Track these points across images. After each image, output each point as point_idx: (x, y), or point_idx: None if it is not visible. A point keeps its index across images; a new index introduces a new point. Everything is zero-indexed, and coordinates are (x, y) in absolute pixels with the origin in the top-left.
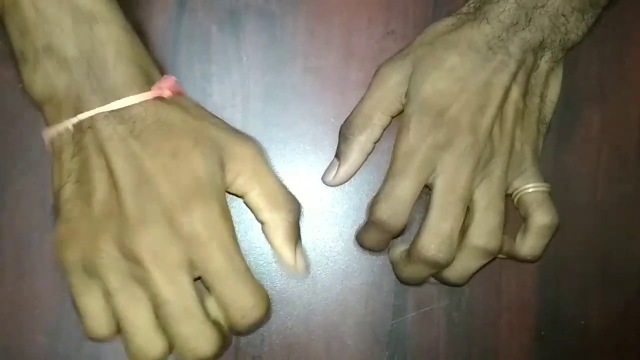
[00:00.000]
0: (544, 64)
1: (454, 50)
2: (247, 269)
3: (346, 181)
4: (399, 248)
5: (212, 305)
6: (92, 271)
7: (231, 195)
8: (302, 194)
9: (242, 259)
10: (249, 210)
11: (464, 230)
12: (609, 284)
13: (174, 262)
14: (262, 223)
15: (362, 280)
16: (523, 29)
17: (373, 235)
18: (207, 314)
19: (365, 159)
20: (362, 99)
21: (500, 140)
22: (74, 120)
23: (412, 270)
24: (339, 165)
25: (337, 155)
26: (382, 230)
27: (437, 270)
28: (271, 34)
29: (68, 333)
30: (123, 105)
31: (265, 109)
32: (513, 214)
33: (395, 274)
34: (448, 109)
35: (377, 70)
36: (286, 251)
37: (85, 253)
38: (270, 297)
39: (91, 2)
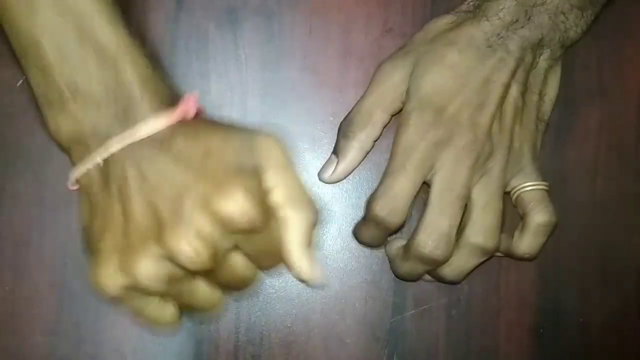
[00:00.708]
0: (542, 62)
1: (453, 48)
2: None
3: (343, 179)
4: (397, 244)
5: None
6: (139, 290)
7: None
8: None
9: (277, 232)
10: None
11: (461, 228)
12: (608, 282)
13: (225, 253)
14: (280, 220)
15: (361, 279)
16: (522, 26)
17: (370, 231)
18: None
19: (364, 157)
20: (363, 96)
21: (499, 138)
22: (104, 153)
23: (409, 267)
24: (338, 163)
25: (336, 152)
26: (379, 226)
27: (434, 267)
28: (269, 31)
29: (66, 333)
30: (150, 131)
31: (263, 107)
32: (511, 212)
33: (392, 270)
34: (448, 106)
35: (377, 68)
36: (303, 254)
37: (126, 277)
38: (269, 295)
39: (114, 38)
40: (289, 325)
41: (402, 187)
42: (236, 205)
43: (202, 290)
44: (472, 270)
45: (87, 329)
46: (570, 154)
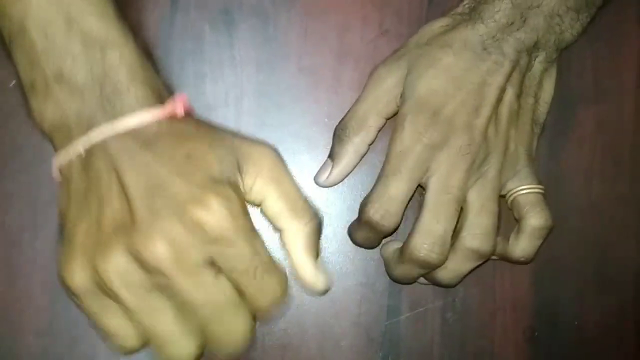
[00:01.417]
0: (538, 65)
1: (449, 50)
2: (271, 259)
3: (338, 182)
4: (392, 246)
5: None
6: (104, 289)
7: None
8: None
9: (265, 248)
10: None
11: (456, 232)
12: (604, 284)
13: (195, 264)
14: (280, 230)
15: (356, 281)
16: (518, 29)
17: (364, 234)
18: (238, 302)
19: (359, 161)
20: (357, 100)
21: (495, 141)
22: (86, 141)
23: (404, 270)
24: (333, 166)
25: (331, 156)
26: (373, 230)
27: (429, 271)
28: (265, 32)
29: (60, 333)
30: (136, 123)
31: (258, 108)
32: (506, 216)
33: (387, 272)
34: (443, 108)
35: (372, 72)
36: (307, 263)
37: (95, 272)
38: None
39: (103, 28)
40: (283, 328)
41: (397, 191)
42: (210, 214)
43: (169, 315)
44: (467, 274)
45: (81, 329)
46: (566, 157)
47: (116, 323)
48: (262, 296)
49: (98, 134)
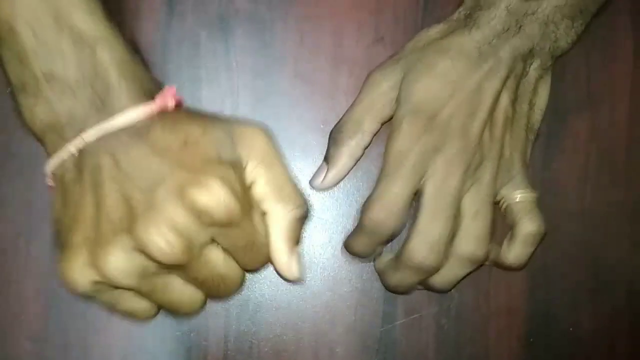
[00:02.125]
0: (533, 72)
1: (445, 55)
2: (265, 242)
3: (334, 186)
4: (386, 257)
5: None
6: (111, 284)
7: None
8: None
9: (264, 229)
10: None
11: (451, 237)
12: (598, 290)
13: (200, 246)
14: (264, 213)
15: (352, 287)
16: (513, 35)
17: (365, 240)
18: (235, 265)
19: (354, 165)
20: (353, 104)
21: (490, 146)
22: (79, 142)
23: (400, 277)
24: (328, 170)
25: (326, 160)
26: (375, 233)
27: (426, 276)
28: (261, 39)
29: (54, 339)
30: (128, 121)
31: (254, 114)
32: (499, 222)
33: (383, 283)
34: (439, 112)
35: (367, 76)
36: (282, 249)
37: (97, 271)
38: (259, 304)
39: (92, 26)
40: (278, 333)
41: (399, 190)
42: (212, 196)
43: (178, 287)
44: (461, 280)
45: (75, 335)
46: (560, 163)
47: (130, 305)
48: (254, 263)
49: (91, 133)
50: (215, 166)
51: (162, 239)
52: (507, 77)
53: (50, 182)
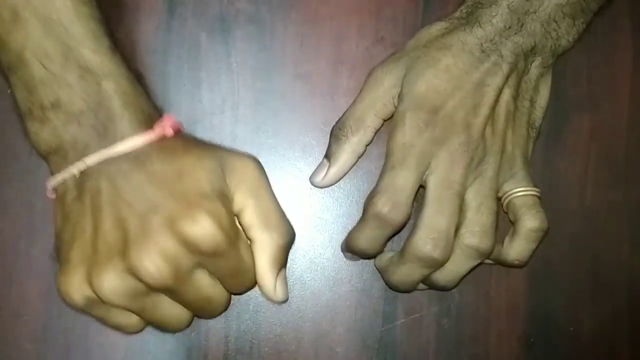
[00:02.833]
0: (534, 69)
1: (447, 52)
2: (252, 266)
3: (334, 183)
4: (386, 255)
5: None
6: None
7: None
8: (291, 200)
9: (249, 251)
10: None
11: (456, 230)
12: (599, 291)
13: (187, 272)
14: (250, 241)
15: (352, 287)
16: (515, 33)
17: (370, 233)
18: (221, 288)
19: (356, 162)
20: (355, 100)
21: (492, 141)
22: (81, 165)
23: (405, 272)
24: (329, 167)
25: (327, 156)
26: (382, 225)
27: (432, 269)
28: (261, 40)
29: (55, 340)
30: (128, 147)
31: (255, 116)
32: (501, 220)
33: (385, 280)
34: (443, 106)
35: (370, 73)
36: (268, 275)
37: (92, 289)
38: (259, 304)
39: (98, 59)
40: (279, 333)
41: (405, 181)
42: (200, 229)
43: (166, 306)
44: (464, 276)
45: (75, 337)
46: (560, 163)
47: (120, 320)
48: (240, 287)
49: (93, 158)
50: (206, 199)
51: (153, 265)
52: (509, 74)
53: (51, 194)
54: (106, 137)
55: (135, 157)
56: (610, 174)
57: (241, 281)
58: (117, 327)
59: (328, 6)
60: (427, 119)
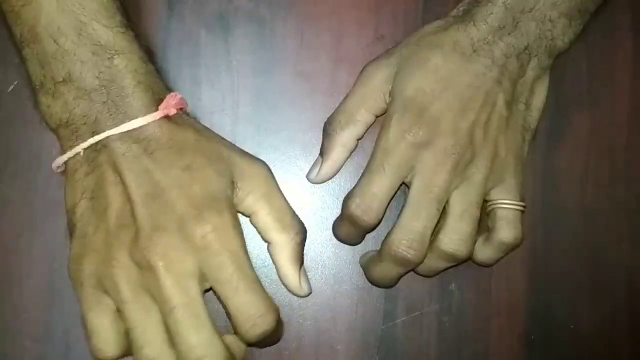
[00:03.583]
0: (530, 71)
1: (438, 51)
2: (257, 280)
3: (329, 178)
4: (369, 253)
5: (229, 339)
6: (105, 282)
7: None
8: (291, 198)
9: (252, 269)
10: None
11: (436, 231)
12: (599, 288)
13: (186, 271)
14: (268, 242)
15: (352, 285)
16: (509, 33)
17: (346, 229)
18: (216, 330)
19: (348, 156)
20: (347, 96)
21: (483, 145)
22: (90, 140)
23: (382, 269)
24: (322, 162)
25: (321, 153)
26: (355, 225)
27: (407, 269)
28: (261, 38)
29: (56, 338)
30: (135, 126)
31: (254, 113)
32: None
33: (366, 276)
34: (429, 108)
35: (362, 69)
36: (292, 272)
37: (100, 264)
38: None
39: (111, 36)
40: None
41: (380, 188)
42: (204, 230)
43: (155, 317)
44: (443, 270)
45: (76, 335)
46: (560, 161)
47: (103, 321)
48: (244, 312)
49: (103, 135)
50: (212, 200)
51: (154, 257)
52: (500, 77)
53: (56, 169)
54: (117, 113)
55: (145, 142)
56: (610, 171)
57: (244, 303)
58: (92, 329)
59: (328, 4)
60: (413, 121)
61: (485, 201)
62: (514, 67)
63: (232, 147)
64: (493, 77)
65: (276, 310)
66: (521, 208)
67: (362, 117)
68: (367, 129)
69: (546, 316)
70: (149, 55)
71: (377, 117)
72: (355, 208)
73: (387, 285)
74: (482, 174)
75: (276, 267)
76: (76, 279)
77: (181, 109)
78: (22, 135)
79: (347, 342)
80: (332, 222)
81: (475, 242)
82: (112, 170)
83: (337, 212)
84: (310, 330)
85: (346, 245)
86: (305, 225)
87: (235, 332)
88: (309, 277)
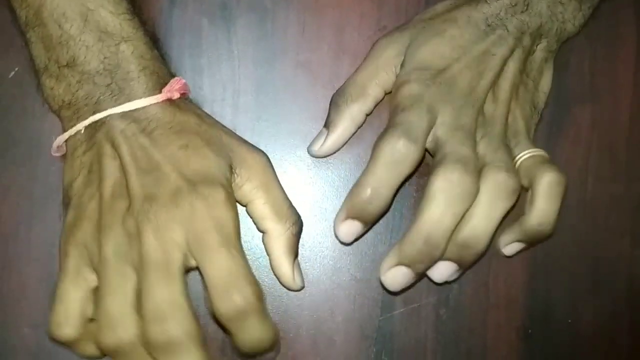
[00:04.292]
0: (539, 52)
1: (453, 24)
2: (243, 256)
3: (332, 153)
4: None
5: None
6: (91, 248)
7: None
8: (291, 188)
9: (242, 251)
10: None
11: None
12: (598, 283)
13: (171, 239)
14: (263, 232)
15: (351, 276)
16: (522, 12)
17: (382, 173)
18: (190, 302)
19: (354, 132)
20: (357, 69)
21: (496, 107)
22: (91, 119)
23: (438, 211)
24: (328, 134)
25: (326, 125)
26: (396, 161)
27: (465, 203)
28: (262, 28)
29: None
30: (137, 106)
31: (255, 103)
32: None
33: (415, 230)
34: (447, 69)
35: (374, 44)
36: (285, 263)
37: (91, 231)
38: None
39: (117, 22)
40: (277, 322)
41: (418, 118)
42: (196, 205)
43: (129, 290)
44: (497, 228)
45: None
46: (561, 155)
47: (71, 294)
48: (218, 279)
49: (105, 113)
50: (207, 178)
51: (144, 232)
52: (514, 47)
53: (57, 151)
54: (120, 95)
55: (145, 123)
56: (611, 166)
57: (231, 291)
58: (58, 299)
59: None
60: (434, 77)
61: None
62: (527, 43)
63: (233, 134)
64: (508, 46)
65: (261, 297)
66: (546, 154)
67: (373, 90)
68: (376, 104)
69: (544, 310)
70: (154, 41)
71: (386, 93)
72: (397, 139)
73: (439, 238)
74: (500, 126)
75: (270, 258)
76: (64, 247)
77: (184, 94)
78: (22, 122)
79: (344, 333)
80: (349, 190)
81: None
82: (109, 146)
83: (336, 202)
84: (307, 321)
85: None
86: (304, 215)
87: (212, 313)
88: (307, 268)
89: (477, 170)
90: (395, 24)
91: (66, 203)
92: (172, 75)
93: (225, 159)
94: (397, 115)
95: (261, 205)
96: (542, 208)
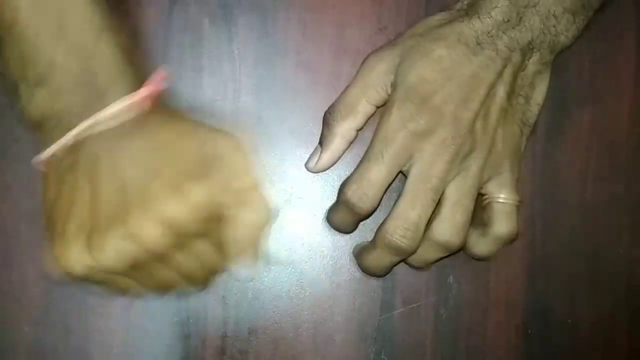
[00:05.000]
0: (531, 66)
1: (442, 42)
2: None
3: (328, 168)
4: (363, 244)
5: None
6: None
7: None
8: (291, 188)
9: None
10: None
11: (430, 222)
12: (597, 283)
13: (186, 235)
14: (226, 219)
15: (351, 276)
16: (513, 27)
17: (341, 216)
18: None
19: (347, 147)
20: (348, 86)
21: (482, 137)
22: (75, 132)
23: (375, 258)
24: (321, 152)
25: (320, 143)
26: (350, 211)
27: (400, 258)
28: (263, 27)
29: (54, 323)
30: (122, 113)
31: (256, 103)
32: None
33: (359, 265)
34: (431, 97)
35: (364, 60)
36: (239, 251)
37: (94, 256)
38: (258, 291)
39: (91, 39)
40: (277, 321)
41: (376, 175)
42: (198, 197)
43: (166, 272)
44: (436, 261)
45: (75, 320)
46: (561, 156)
47: (121, 284)
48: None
49: (87, 124)
50: (186, 176)
51: (156, 231)
52: (503, 69)
53: (42, 167)
54: (101, 103)
55: (129, 124)
56: (611, 167)
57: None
58: (120, 292)
59: None
60: (415, 110)
61: (481, 194)
62: (517, 60)
63: (209, 126)
64: (496, 69)
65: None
66: (516, 203)
67: (363, 108)
68: (367, 120)
69: (544, 310)
70: (135, 37)
71: (377, 108)
72: (352, 194)
73: (380, 274)
74: (478, 165)
75: (227, 244)
76: (74, 275)
77: (158, 96)
78: (23, 120)
79: (344, 333)
80: (327, 210)
81: (468, 233)
82: (98, 162)
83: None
84: (307, 320)
85: (345, 236)
86: (305, 215)
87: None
88: (307, 267)
89: (419, 235)
90: (395, 23)
91: (51, 224)
92: (149, 72)
93: (201, 153)
94: (362, 163)
95: (229, 192)
96: (486, 249)
